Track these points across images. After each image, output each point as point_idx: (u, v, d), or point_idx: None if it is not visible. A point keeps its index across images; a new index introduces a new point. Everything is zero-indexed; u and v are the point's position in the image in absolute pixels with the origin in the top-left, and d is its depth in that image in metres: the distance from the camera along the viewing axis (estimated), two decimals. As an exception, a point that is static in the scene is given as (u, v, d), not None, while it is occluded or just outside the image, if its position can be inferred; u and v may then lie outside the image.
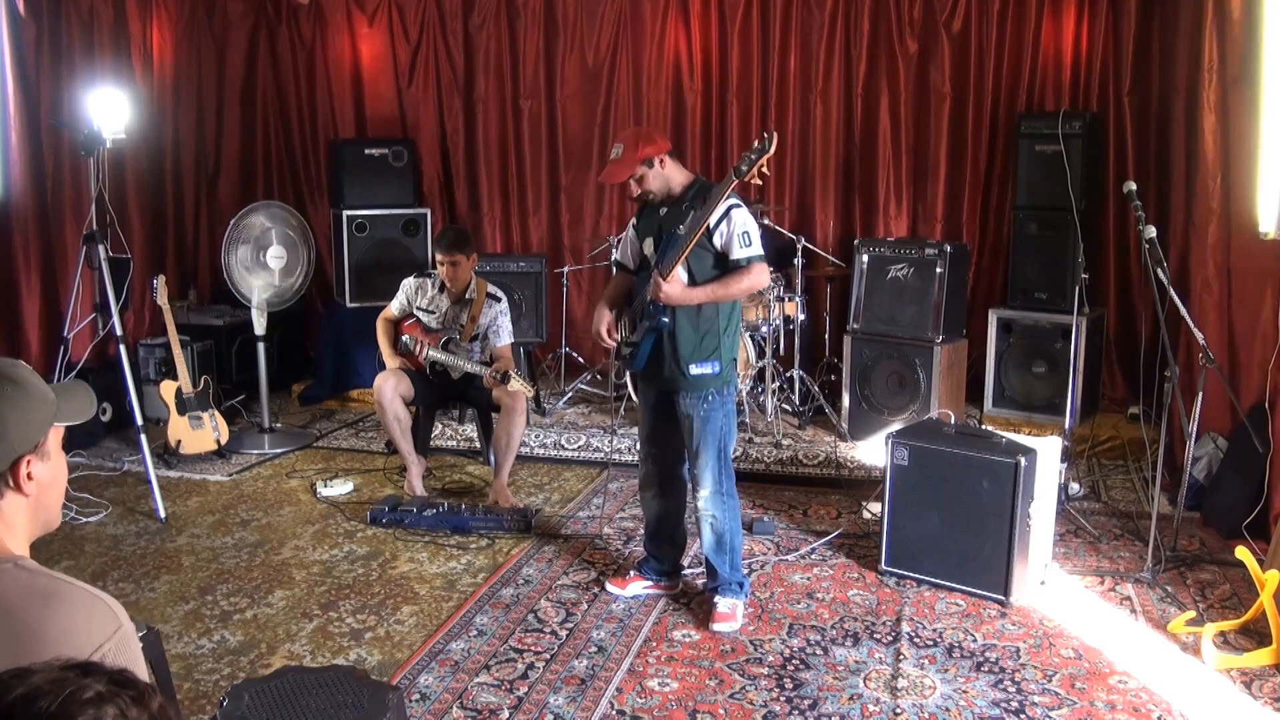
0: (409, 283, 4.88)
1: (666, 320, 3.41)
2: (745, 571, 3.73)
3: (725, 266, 3.41)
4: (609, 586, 3.81)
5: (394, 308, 4.89)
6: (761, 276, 3.41)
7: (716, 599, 3.57)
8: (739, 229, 3.36)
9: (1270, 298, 4.21)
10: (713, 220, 3.33)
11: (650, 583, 3.79)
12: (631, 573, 3.84)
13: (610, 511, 4.62)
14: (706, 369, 3.44)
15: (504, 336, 4.82)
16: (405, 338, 4.76)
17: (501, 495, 4.65)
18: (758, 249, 3.40)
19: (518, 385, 4.57)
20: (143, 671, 1.44)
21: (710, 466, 3.51)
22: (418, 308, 4.83)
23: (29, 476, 1.47)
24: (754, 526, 4.36)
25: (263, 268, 5.64)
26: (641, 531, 4.36)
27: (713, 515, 3.55)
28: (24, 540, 1.52)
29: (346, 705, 2.18)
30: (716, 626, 3.48)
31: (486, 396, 4.76)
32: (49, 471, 1.51)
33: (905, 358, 5.23)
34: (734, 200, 3.38)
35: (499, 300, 4.85)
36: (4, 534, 1.47)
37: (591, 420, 5.78)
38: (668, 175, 3.47)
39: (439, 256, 4.70)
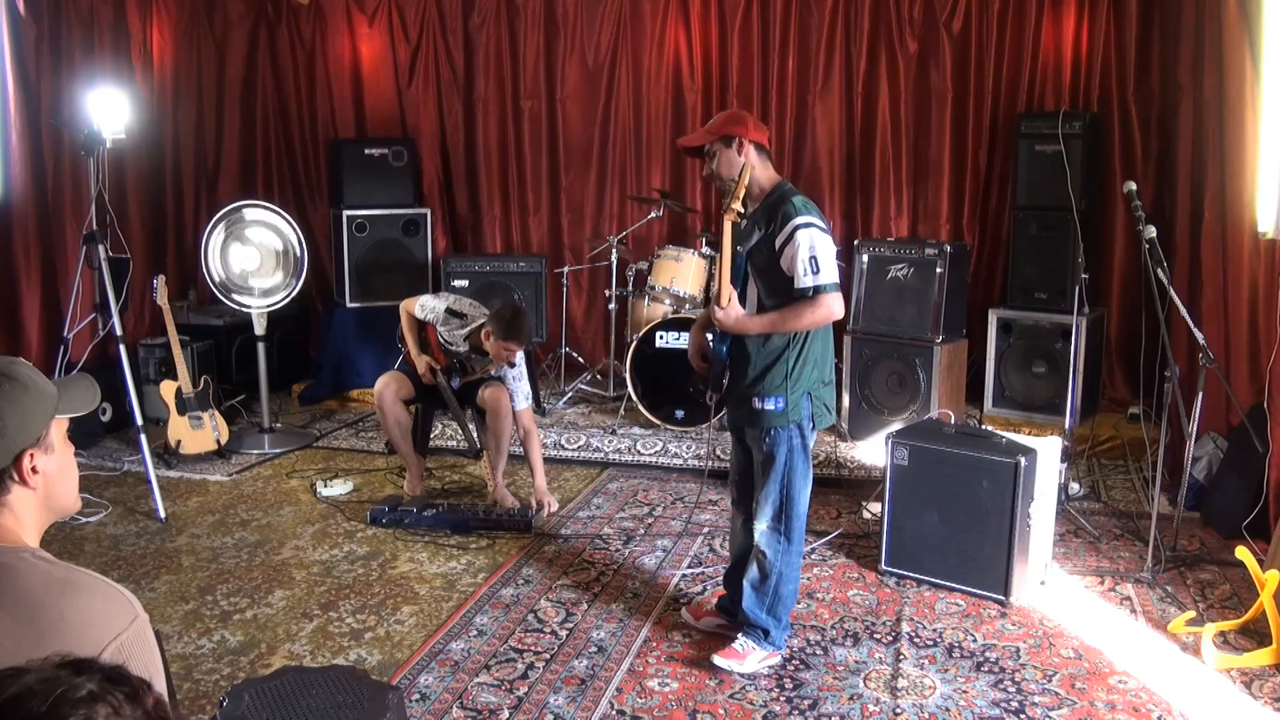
0: (440, 312, 4.58)
1: (725, 349, 3.17)
2: (783, 629, 3.31)
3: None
4: (683, 614, 3.56)
5: (420, 314, 4.62)
6: (831, 309, 3.03)
7: (738, 635, 3.27)
8: (804, 253, 2.98)
9: (1271, 298, 4.21)
10: (779, 240, 3.02)
11: (723, 622, 3.45)
12: (709, 605, 3.58)
13: (610, 511, 4.62)
14: (770, 405, 3.12)
15: (520, 401, 4.62)
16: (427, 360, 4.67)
17: (502, 495, 4.66)
18: (828, 276, 3.01)
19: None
20: (157, 660, 1.45)
21: (771, 500, 3.19)
22: (441, 333, 4.68)
23: (33, 470, 1.50)
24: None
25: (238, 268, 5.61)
26: (642, 532, 4.38)
27: (762, 551, 3.22)
28: (35, 532, 1.54)
29: (346, 705, 2.18)
30: (718, 659, 3.18)
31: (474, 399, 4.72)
32: (54, 464, 1.54)
33: (905, 358, 5.23)
34: (804, 219, 3.00)
35: (513, 365, 4.58)
36: (15, 527, 1.49)
37: (591, 420, 5.78)
38: (746, 166, 3.10)
39: (509, 344, 4.33)
